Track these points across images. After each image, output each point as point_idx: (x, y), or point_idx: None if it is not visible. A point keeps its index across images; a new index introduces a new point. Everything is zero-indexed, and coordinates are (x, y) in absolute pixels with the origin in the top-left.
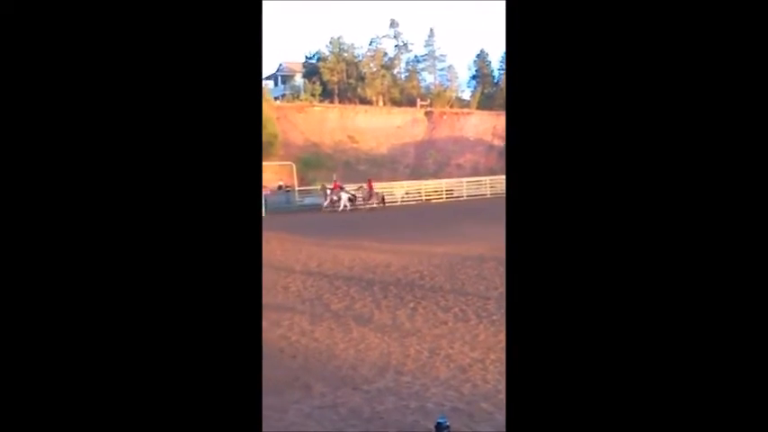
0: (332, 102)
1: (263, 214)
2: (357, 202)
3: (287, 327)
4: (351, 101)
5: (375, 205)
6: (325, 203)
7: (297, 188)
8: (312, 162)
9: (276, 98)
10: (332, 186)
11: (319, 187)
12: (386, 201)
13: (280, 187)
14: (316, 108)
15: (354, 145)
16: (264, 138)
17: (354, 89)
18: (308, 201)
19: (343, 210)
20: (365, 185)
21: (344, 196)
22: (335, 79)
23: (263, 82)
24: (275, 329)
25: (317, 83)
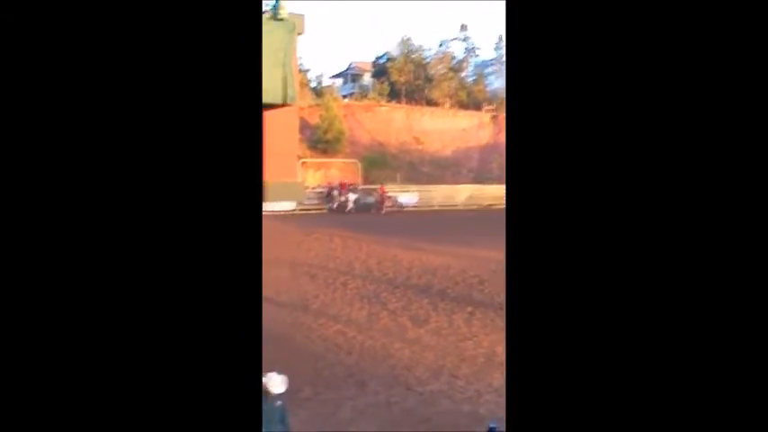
0: (399, 102)
1: (326, 210)
2: (360, 203)
3: (344, 323)
4: (417, 102)
5: (387, 209)
6: (334, 205)
7: (361, 186)
8: (377, 161)
9: (344, 96)
10: (339, 187)
11: (325, 187)
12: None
13: (342, 185)
14: (383, 108)
15: (419, 146)
16: (331, 135)
17: (422, 90)
18: (370, 200)
19: (348, 211)
20: (379, 190)
21: (352, 197)
22: (403, 80)
23: (333, 80)
24: (333, 325)
25: (386, 83)
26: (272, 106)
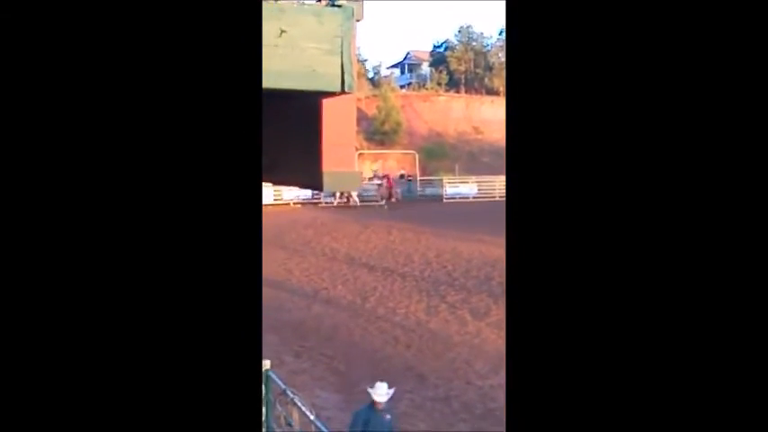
0: (458, 91)
1: (384, 202)
2: (367, 197)
3: (403, 315)
4: (477, 91)
5: (391, 201)
6: (338, 199)
7: (419, 177)
8: (435, 152)
9: (402, 86)
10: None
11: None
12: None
13: (402, 176)
14: (441, 97)
15: (478, 136)
16: (389, 126)
17: (481, 79)
18: (428, 191)
19: (354, 205)
20: (384, 181)
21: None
22: (462, 69)
23: (390, 70)
24: (392, 317)
25: (444, 72)
26: (329, 94)
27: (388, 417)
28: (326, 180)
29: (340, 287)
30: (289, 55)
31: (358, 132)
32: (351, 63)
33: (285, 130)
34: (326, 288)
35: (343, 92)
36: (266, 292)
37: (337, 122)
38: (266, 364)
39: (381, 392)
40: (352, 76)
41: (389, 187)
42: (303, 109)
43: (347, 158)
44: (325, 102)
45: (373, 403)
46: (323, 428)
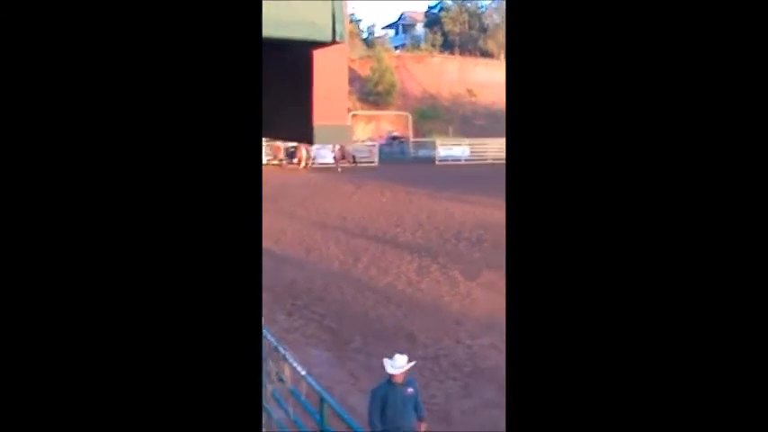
0: (452, 53)
1: (376, 163)
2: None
3: (394, 276)
4: (471, 53)
5: (347, 165)
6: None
7: (412, 139)
8: (429, 114)
9: (396, 47)
10: (297, 145)
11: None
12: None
13: (394, 138)
14: (435, 59)
15: (472, 98)
16: (382, 87)
17: (475, 41)
18: (421, 153)
19: (305, 167)
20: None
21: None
22: (457, 30)
23: (384, 30)
24: (383, 278)
25: (438, 33)
26: (319, 44)
27: (411, 390)
28: (317, 134)
29: (332, 247)
30: (277, 3)
31: (351, 93)
32: (342, 12)
33: (275, 83)
34: (320, 248)
35: (334, 41)
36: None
37: (328, 75)
38: None
39: (398, 365)
40: (343, 25)
41: (341, 150)
42: (293, 61)
43: (339, 112)
44: (316, 53)
45: (391, 377)
46: (314, 384)
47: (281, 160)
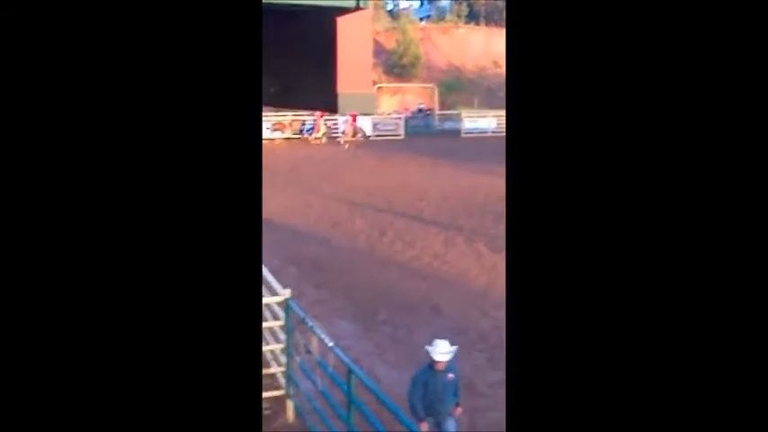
0: (477, 24)
1: (402, 135)
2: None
3: (420, 248)
4: (497, 24)
5: (354, 139)
6: (309, 135)
7: (437, 112)
8: (454, 86)
9: (421, 19)
10: (316, 117)
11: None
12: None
13: (420, 110)
14: (460, 30)
15: (498, 70)
16: (407, 59)
17: (501, 12)
18: (447, 125)
19: (317, 141)
20: (350, 119)
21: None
22: (482, 1)
23: (409, 2)
24: (408, 251)
25: (464, 4)
26: (343, 11)
27: (451, 376)
28: (342, 102)
29: (358, 221)
30: None
31: (376, 66)
32: None
33: (299, 52)
34: (345, 221)
35: (358, 7)
36: (284, 227)
37: (352, 42)
38: (287, 293)
39: (441, 351)
40: None
41: (353, 125)
42: (317, 28)
43: (363, 80)
44: (340, 20)
45: (433, 363)
46: (342, 355)
47: (301, 133)
